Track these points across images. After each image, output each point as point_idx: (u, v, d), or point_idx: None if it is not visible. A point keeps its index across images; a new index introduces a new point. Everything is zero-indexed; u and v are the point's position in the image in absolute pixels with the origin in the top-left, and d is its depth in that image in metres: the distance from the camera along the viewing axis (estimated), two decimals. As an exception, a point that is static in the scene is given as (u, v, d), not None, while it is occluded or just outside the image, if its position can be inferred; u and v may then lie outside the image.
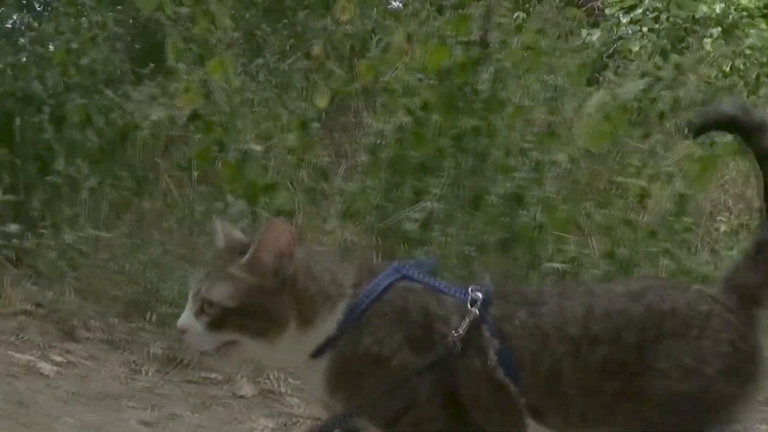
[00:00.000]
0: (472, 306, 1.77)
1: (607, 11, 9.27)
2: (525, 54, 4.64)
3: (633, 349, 1.71)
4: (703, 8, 9.06)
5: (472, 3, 4.49)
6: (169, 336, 3.66)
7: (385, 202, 3.99)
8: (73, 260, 4.21)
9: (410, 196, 4.01)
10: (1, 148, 4.89)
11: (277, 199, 4.36)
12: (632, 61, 6.55)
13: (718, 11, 9.05)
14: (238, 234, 1.94)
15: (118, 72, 5.15)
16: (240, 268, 1.78)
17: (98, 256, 4.23)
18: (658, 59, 5.56)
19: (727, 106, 1.86)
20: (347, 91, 4.79)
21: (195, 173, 4.98)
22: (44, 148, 4.80)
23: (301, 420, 3.27)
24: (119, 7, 5.98)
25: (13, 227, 4.18)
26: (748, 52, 7.99)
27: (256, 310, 1.77)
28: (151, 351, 3.68)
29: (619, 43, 8.08)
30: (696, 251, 4.53)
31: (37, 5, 5.50)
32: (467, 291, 1.80)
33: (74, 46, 4.89)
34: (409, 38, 4.85)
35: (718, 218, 5.73)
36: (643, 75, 4.99)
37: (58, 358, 3.68)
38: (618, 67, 6.28)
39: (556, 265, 3.87)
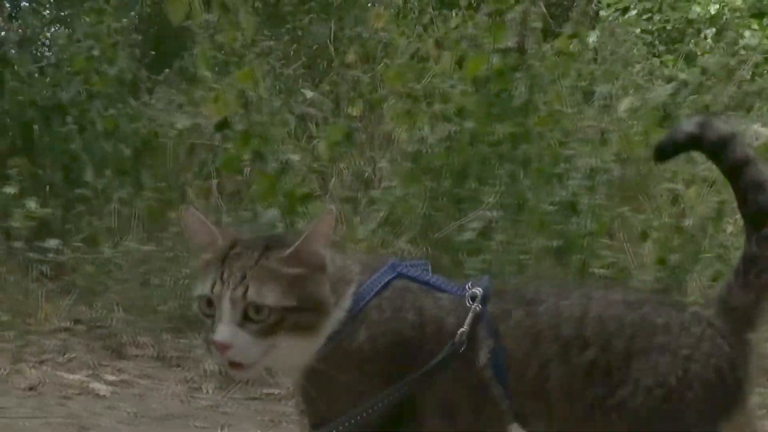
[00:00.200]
0: (473, 301, 1.73)
1: (602, 13, 9.31)
2: (558, 59, 4.63)
3: (620, 356, 1.67)
4: (697, 9, 9.18)
5: (509, 9, 4.46)
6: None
7: (432, 211, 3.95)
8: (111, 274, 4.12)
9: (459, 204, 3.98)
10: (22, 159, 4.78)
11: (314, 208, 4.29)
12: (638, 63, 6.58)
13: (713, 12, 9.14)
14: (220, 227, 1.80)
15: (136, 79, 5.03)
16: (284, 263, 1.67)
17: (137, 269, 4.15)
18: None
19: (686, 124, 1.81)
20: (377, 99, 4.74)
21: (215, 182, 4.94)
22: (69, 158, 4.69)
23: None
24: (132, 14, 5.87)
25: (53, 242, 4.05)
26: (743, 52, 8.08)
27: (308, 304, 1.67)
28: (207, 368, 3.60)
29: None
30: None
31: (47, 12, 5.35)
32: (465, 288, 1.76)
33: (96, 53, 4.77)
34: (437, 44, 4.82)
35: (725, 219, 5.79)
36: (670, 80, 5.00)
37: (111, 377, 3.60)
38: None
39: (604, 271, 3.87)
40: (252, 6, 4.84)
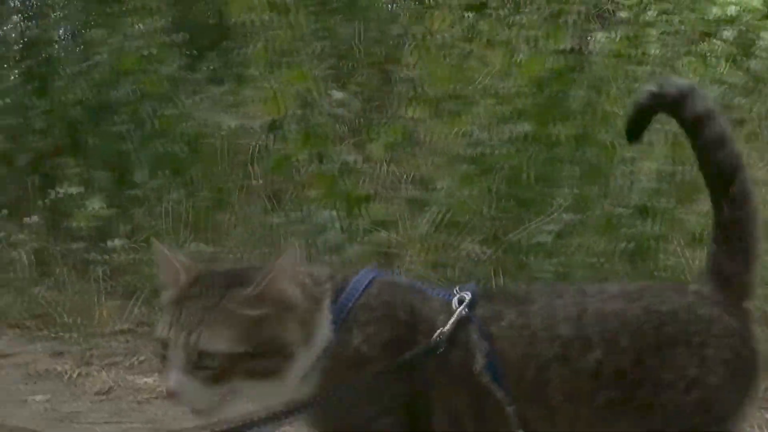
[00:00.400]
0: (459, 305, 1.66)
1: (620, 14, 9.30)
2: (615, 62, 4.63)
3: (629, 355, 1.62)
4: (714, 10, 9.21)
5: (566, 11, 4.45)
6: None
7: (499, 213, 3.94)
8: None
9: (524, 207, 3.97)
10: (70, 159, 4.74)
11: (374, 210, 4.27)
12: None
13: (732, 12, 9.16)
14: (190, 261, 1.68)
15: (184, 79, 4.99)
16: (246, 303, 1.57)
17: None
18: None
19: (646, 86, 1.79)
20: (432, 100, 4.72)
21: (259, 182, 4.90)
22: (119, 158, 4.65)
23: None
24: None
25: (117, 242, 4.00)
26: (764, 54, 8.11)
27: (267, 349, 1.56)
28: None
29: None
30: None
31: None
32: (451, 292, 1.70)
33: (147, 52, 4.72)
34: (489, 44, 4.81)
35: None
36: (714, 81, 5.00)
37: (187, 380, 3.55)
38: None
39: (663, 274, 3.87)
40: (306, 6, 4.79)
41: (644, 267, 3.84)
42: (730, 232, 1.70)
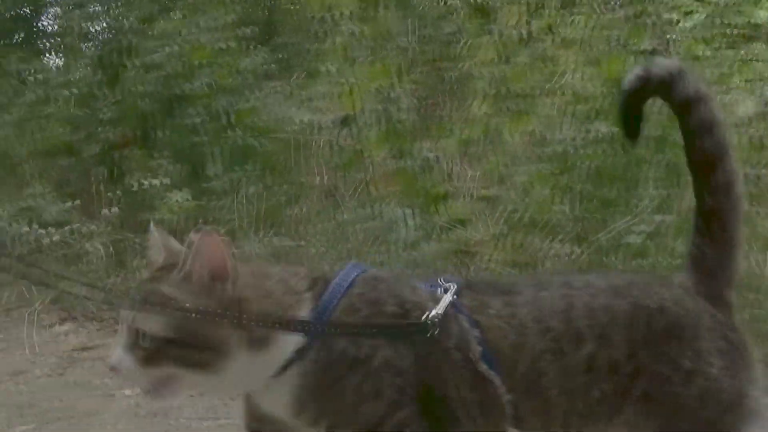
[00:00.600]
0: (445, 293, 1.63)
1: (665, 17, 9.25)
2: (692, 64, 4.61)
3: (621, 349, 1.60)
4: (760, 13, 9.14)
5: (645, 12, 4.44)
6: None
7: (586, 213, 3.93)
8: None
9: (609, 207, 3.96)
10: (140, 150, 4.74)
11: (452, 207, 4.26)
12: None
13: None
14: (176, 245, 1.66)
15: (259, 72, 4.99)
16: (174, 287, 1.56)
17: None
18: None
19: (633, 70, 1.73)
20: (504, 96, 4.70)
21: (325, 178, 4.90)
22: (192, 150, 4.64)
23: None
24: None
25: (193, 235, 3.98)
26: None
27: (195, 341, 1.54)
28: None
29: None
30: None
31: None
32: (436, 283, 1.66)
33: (224, 45, 4.71)
34: (564, 42, 4.79)
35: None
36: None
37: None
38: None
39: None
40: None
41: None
42: (712, 221, 1.68)
